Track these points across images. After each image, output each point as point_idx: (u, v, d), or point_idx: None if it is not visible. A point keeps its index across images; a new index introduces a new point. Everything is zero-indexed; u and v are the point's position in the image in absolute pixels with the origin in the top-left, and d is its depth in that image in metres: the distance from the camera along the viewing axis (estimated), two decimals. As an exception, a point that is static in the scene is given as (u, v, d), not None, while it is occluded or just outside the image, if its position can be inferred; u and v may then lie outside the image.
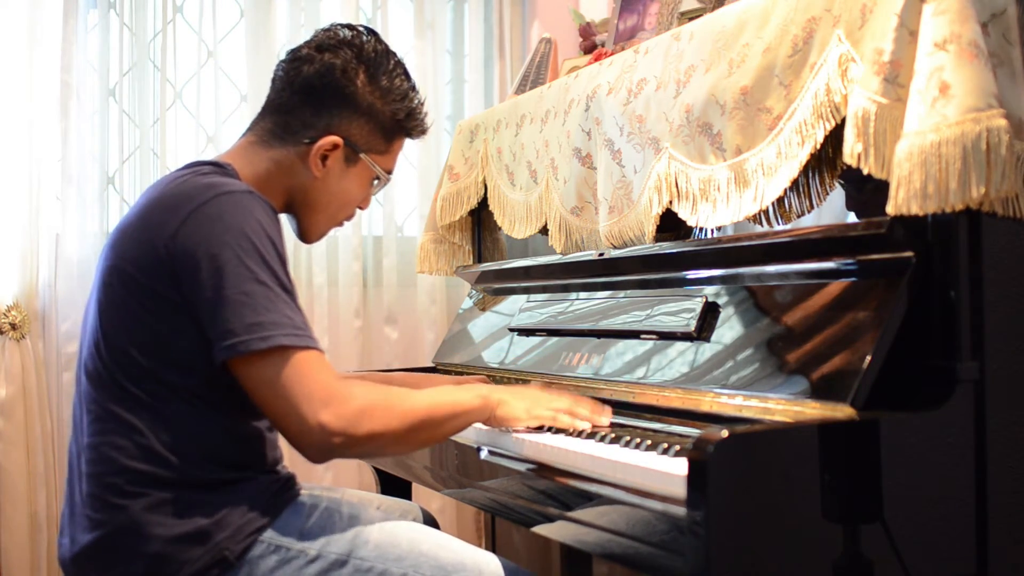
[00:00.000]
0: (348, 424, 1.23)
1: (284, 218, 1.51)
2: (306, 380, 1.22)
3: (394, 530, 1.37)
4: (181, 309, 1.26)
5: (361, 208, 1.57)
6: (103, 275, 1.33)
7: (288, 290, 1.27)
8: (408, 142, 1.55)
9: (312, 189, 1.46)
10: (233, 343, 1.21)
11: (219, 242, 1.24)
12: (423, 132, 1.56)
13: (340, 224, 1.56)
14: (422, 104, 1.54)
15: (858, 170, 1.17)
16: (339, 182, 1.48)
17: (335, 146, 1.44)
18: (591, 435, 1.43)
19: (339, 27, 1.48)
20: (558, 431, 1.49)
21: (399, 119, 1.49)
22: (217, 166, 1.39)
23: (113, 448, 1.28)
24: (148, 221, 1.30)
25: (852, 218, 1.36)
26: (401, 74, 1.49)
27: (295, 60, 1.46)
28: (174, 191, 1.31)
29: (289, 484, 1.39)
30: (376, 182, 1.53)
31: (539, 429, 1.51)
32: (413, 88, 1.51)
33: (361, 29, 1.49)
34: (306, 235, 1.54)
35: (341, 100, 1.44)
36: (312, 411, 1.21)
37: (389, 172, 1.54)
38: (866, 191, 1.33)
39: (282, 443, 1.50)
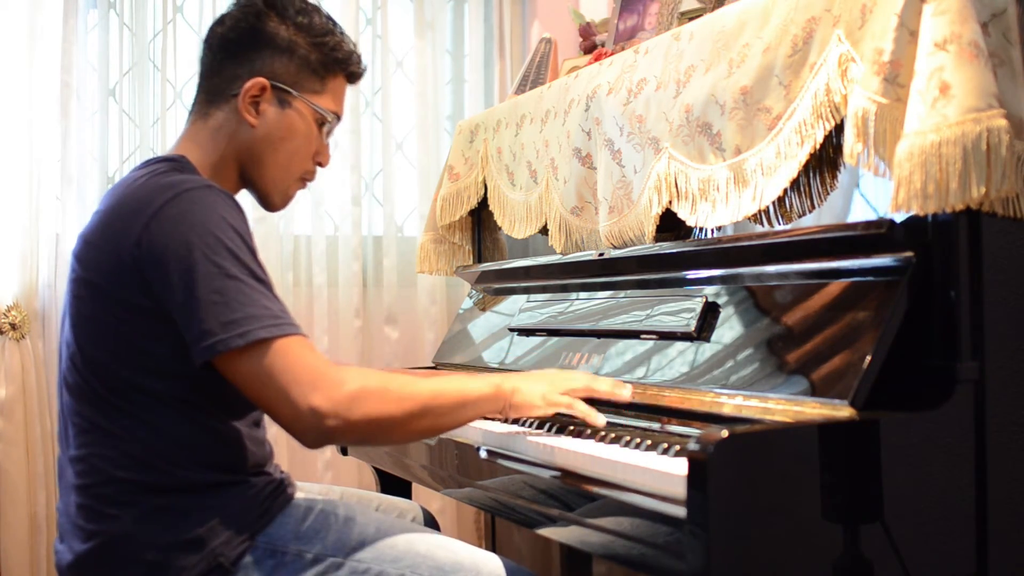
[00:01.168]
0: (340, 407, 1.20)
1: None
2: (291, 366, 1.20)
3: (391, 531, 1.36)
4: (154, 315, 1.24)
5: (320, 163, 1.49)
6: (72, 288, 1.31)
7: (261, 279, 1.25)
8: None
9: (255, 143, 1.41)
10: (212, 343, 1.19)
11: (185, 243, 1.21)
12: (358, 69, 1.49)
13: (301, 183, 1.48)
14: (354, 44, 1.48)
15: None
16: (279, 128, 1.41)
17: (262, 89, 1.39)
18: (591, 435, 1.43)
19: None
20: (560, 430, 1.50)
21: (325, 53, 1.43)
22: (172, 161, 1.36)
23: (101, 459, 1.27)
24: (110, 229, 1.28)
25: (852, 218, 1.36)
26: (315, 12, 1.44)
27: (212, 27, 1.44)
28: (133, 195, 1.28)
29: (283, 487, 1.38)
30: (324, 127, 1.46)
31: (550, 427, 1.51)
32: (337, 26, 1.46)
33: None
34: (268, 198, 1.46)
35: (257, 43, 1.40)
36: (302, 395, 1.19)
37: (335, 115, 1.47)
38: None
39: (281, 439, 1.50)
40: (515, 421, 1.62)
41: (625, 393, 1.45)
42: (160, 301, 1.23)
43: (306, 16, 1.42)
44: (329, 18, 1.46)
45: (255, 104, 1.40)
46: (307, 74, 1.42)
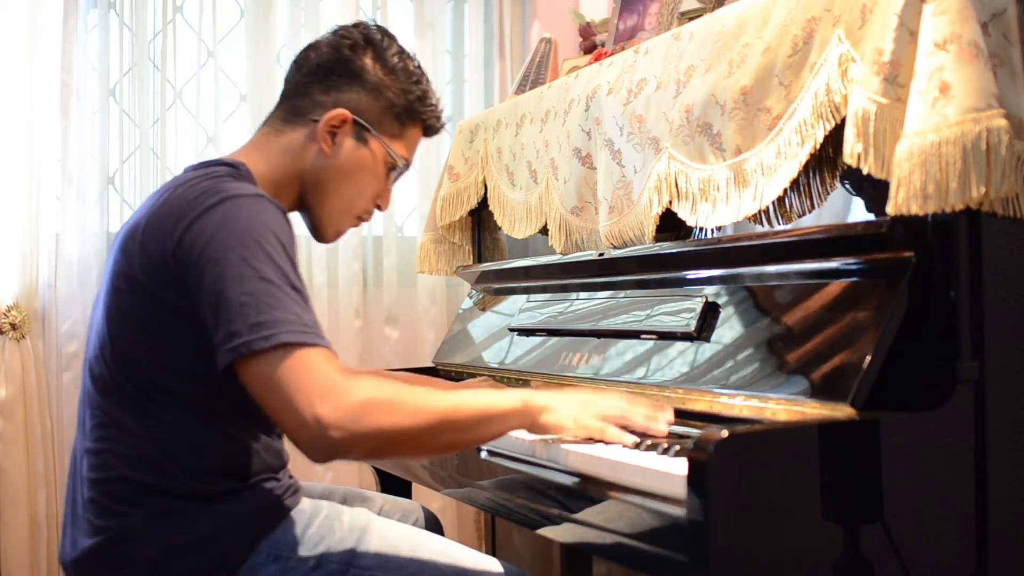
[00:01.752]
0: (347, 418, 1.13)
1: (299, 221, 1.45)
2: (304, 374, 1.14)
3: (394, 538, 1.36)
4: (188, 317, 1.22)
5: (380, 207, 1.50)
6: (112, 279, 1.30)
7: (297, 288, 1.21)
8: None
9: (323, 171, 1.42)
10: (235, 345, 1.15)
11: (223, 246, 1.19)
12: (439, 122, 1.51)
13: (356, 221, 1.50)
14: (438, 98, 1.51)
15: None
16: (350, 162, 1.42)
17: (343, 121, 1.40)
18: (591, 435, 1.43)
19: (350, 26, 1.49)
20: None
21: (411, 101, 1.45)
22: (231, 166, 1.35)
23: (116, 456, 1.27)
24: (156, 226, 1.26)
25: (852, 218, 1.36)
26: (409, 58, 1.47)
27: (305, 50, 1.46)
28: (182, 195, 1.27)
29: (290, 491, 1.38)
30: (393, 172, 1.48)
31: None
32: (426, 76, 1.49)
33: (367, 21, 1.50)
34: (321, 228, 1.47)
35: (349, 76, 1.42)
36: (308, 404, 1.12)
37: (406, 161, 1.49)
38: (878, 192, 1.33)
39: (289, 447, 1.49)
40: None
41: (662, 427, 1.35)
42: (194, 302, 1.21)
43: (401, 60, 1.45)
44: (420, 67, 1.49)
45: (332, 134, 1.41)
46: (389, 117, 1.45)
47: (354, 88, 1.42)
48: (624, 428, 1.36)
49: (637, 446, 1.32)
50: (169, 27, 2.67)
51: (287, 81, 1.47)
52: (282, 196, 1.41)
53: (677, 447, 1.25)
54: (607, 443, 1.34)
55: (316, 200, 1.44)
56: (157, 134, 2.66)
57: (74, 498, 1.32)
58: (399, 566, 1.31)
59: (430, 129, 1.52)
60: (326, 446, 1.14)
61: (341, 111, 1.40)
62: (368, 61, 1.43)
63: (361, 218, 1.50)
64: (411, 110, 1.47)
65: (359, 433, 1.14)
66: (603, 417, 1.35)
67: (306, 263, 2.82)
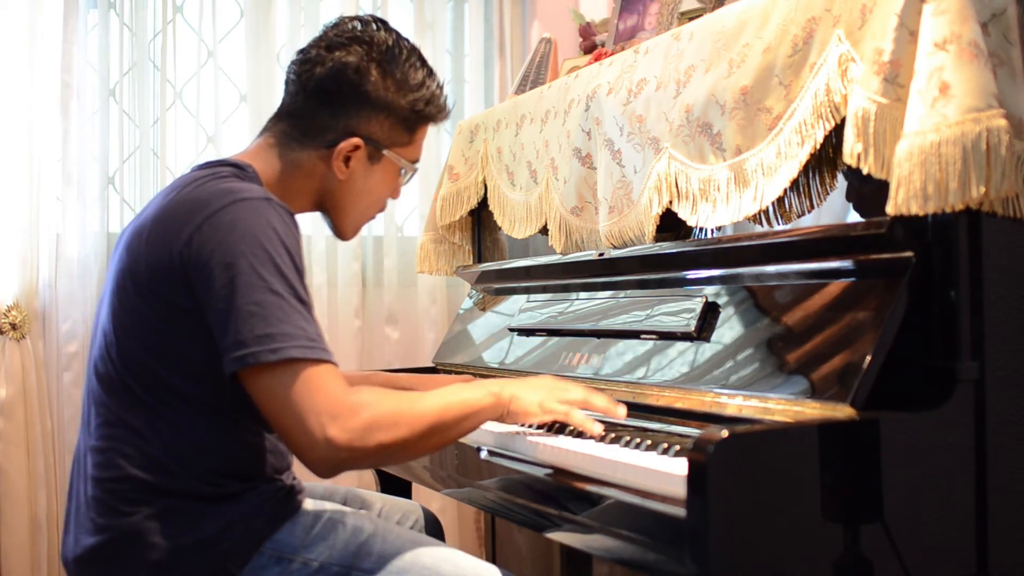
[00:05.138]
0: (355, 438, 1.18)
1: (319, 217, 1.51)
2: (314, 394, 1.18)
3: (397, 542, 1.36)
4: (194, 318, 1.23)
5: (393, 199, 1.56)
6: (117, 277, 1.30)
7: (303, 300, 1.23)
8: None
9: (339, 191, 1.45)
10: (243, 354, 1.17)
11: (233, 250, 1.20)
12: (446, 116, 1.54)
13: (373, 218, 1.56)
14: (441, 88, 1.51)
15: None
16: (365, 181, 1.46)
17: (356, 147, 1.42)
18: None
19: (347, 20, 1.45)
20: (560, 430, 1.49)
21: (418, 108, 1.46)
22: (237, 167, 1.36)
23: (120, 455, 1.26)
24: (163, 226, 1.27)
25: (852, 218, 1.36)
26: (415, 62, 1.46)
27: (306, 61, 1.42)
28: (191, 195, 1.28)
29: (292, 493, 1.38)
30: (404, 173, 1.52)
31: (551, 428, 1.51)
32: (430, 74, 1.48)
33: (370, 19, 1.46)
34: (341, 234, 1.54)
35: (357, 99, 1.41)
36: (319, 425, 1.17)
37: (415, 162, 1.52)
38: (869, 189, 1.33)
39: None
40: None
41: (621, 412, 1.42)
42: (201, 305, 1.22)
43: (404, 72, 1.44)
44: (424, 63, 1.48)
45: (346, 159, 1.43)
46: (399, 129, 1.46)
47: (363, 111, 1.42)
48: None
49: (603, 438, 1.39)
50: (169, 27, 2.67)
51: (290, 94, 1.44)
52: (292, 202, 1.42)
53: (677, 447, 1.25)
54: (574, 427, 1.42)
55: (335, 213, 1.50)
56: (157, 134, 2.66)
57: (78, 495, 1.32)
58: (400, 570, 1.31)
59: (437, 121, 1.54)
60: (334, 464, 1.20)
61: (354, 140, 1.41)
62: (374, 80, 1.41)
63: (375, 216, 1.56)
64: (419, 116, 1.48)
65: (366, 450, 1.20)
66: (566, 402, 1.41)
67: (306, 263, 2.81)
